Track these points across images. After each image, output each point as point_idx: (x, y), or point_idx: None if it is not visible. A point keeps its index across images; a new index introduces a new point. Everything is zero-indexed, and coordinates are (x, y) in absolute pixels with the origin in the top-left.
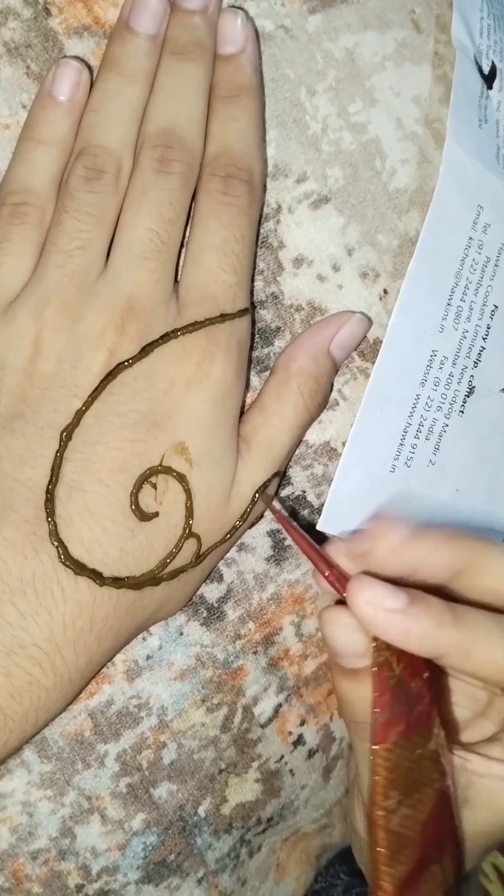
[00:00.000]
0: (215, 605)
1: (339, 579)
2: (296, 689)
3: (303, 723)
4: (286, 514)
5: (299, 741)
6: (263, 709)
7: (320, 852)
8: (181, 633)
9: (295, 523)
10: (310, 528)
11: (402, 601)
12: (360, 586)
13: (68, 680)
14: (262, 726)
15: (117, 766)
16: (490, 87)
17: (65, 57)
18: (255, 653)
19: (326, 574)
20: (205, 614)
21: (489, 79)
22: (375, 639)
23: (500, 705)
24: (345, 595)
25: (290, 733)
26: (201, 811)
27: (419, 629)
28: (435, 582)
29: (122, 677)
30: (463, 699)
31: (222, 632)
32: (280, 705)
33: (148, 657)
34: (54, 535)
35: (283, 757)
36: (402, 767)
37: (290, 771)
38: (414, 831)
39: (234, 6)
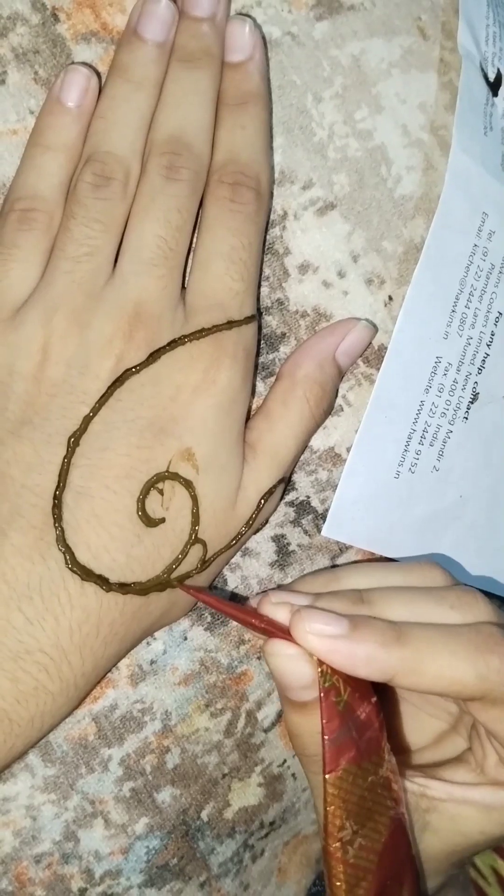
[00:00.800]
0: None
1: (271, 624)
2: None
3: None
4: (208, 592)
5: None
6: (267, 713)
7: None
8: (185, 638)
9: (213, 596)
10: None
11: (343, 627)
12: (301, 617)
13: (74, 685)
14: (266, 731)
15: (121, 770)
16: (496, 94)
17: (73, 63)
18: (259, 657)
19: (255, 622)
20: (209, 619)
21: (495, 86)
22: (321, 663)
23: (468, 721)
24: (278, 636)
25: None
26: (204, 815)
27: (364, 652)
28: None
29: (126, 682)
30: (437, 713)
31: (226, 637)
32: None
33: (152, 662)
34: (61, 540)
35: (285, 761)
36: (355, 796)
37: (293, 775)
38: (371, 862)
39: (241, 13)
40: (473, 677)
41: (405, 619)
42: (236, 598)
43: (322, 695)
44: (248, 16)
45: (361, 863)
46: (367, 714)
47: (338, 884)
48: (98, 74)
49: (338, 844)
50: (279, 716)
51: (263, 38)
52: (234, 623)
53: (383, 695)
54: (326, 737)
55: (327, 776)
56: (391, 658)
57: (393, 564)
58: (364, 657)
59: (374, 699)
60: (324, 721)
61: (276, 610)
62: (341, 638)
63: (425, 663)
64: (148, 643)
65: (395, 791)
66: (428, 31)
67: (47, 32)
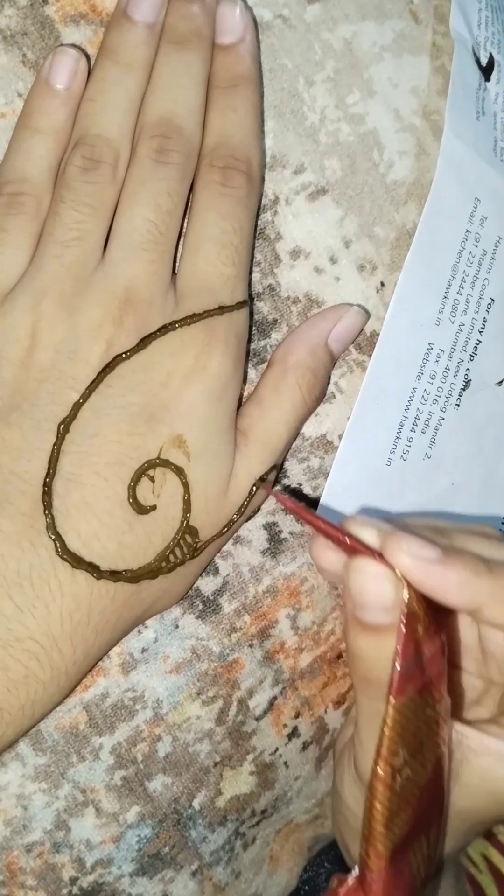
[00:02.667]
0: (211, 597)
1: (357, 542)
2: (291, 681)
3: (297, 715)
4: (291, 498)
5: (294, 734)
6: (259, 701)
7: (312, 843)
8: (177, 626)
9: (302, 504)
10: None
11: (437, 553)
12: (398, 538)
13: (65, 673)
14: (257, 719)
15: (112, 758)
16: (488, 79)
17: (62, 45)
18: (250, 646)
19: (342, 537)
20: (200, 607)
21: (487, 71)
22: (410, 588)
23: (496, 692)
24: (364, 554)
25: (285, 726)
26: (196, 804)
27: (458, 578)
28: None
29: (117, 670)
30: (481, 672)
31: (218, 625)
32: (275, 698)
33: (143, 650)
34: (51, 528)
35: (277, 749)
36: (412, 725)
37: (285, 763)
38: (413, 795)
39: None
40: None
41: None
42: (228, 586)
43: (404, 618)
44: None
45: (405, 793)
46: (435, 650)
47: (380, 808)
48: (87, 57)
49: (389, 769)
50: (271, 703)
51: (254, 20)
52: (226, 611)
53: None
54: (399, 661)
55: (393, 700)
56: (483, 587)
57: (457, 519)
58: (457, 583)
59: (443, 636)
60: (400, 646)
61: (363, 531)
62: (436, 562)
63: None
64: (139, 631)
65: (444, 731)
66: (420, 15)
67: (35, 14)
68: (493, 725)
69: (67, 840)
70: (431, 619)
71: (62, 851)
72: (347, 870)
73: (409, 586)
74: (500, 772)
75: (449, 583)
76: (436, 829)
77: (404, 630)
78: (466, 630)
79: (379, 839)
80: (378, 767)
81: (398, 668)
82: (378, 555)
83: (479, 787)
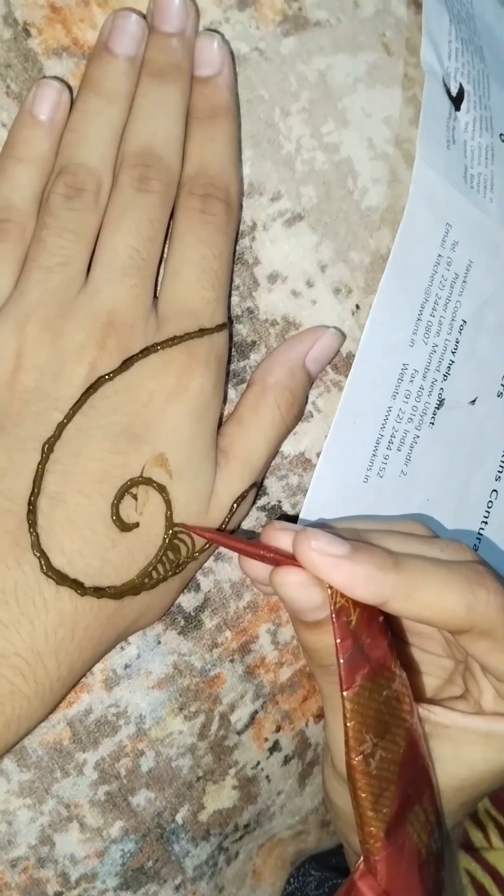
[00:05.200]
0: (192, 613)
1: (277, 553)
2: (272, 695)
3: (278, 729)
4: (213, 530)
5: (275, 747)
6: (240, 716)
7: (295, 858)
8: (159, 642)
9: (219, 533)
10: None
11: (345, 548)
12: (306, 536)
13: (49, 689)
14: (239, 733)
15: (96, 774)
16: (458, 108)
17: (45, 77)
18: (231, 661)
19: (263, 553)
20: (182, 623)
21: (457, 100)
22: (330, 586)
23: (462, 669)
24: (285, 563)
25: (266, 739)
26: (179, 818)
27: (363, 573)
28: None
29: (100, 686)
30: (431, 668)
31: (199, 640)
32: (256, 712)
33: (126, 666)
34: (36, 545)
35: (259, 763)
36: (372, 710)
37: (267, 777)
38: (392, 773)
39: (210, 29)
40: (463, 608)
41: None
42: (210, 602)
43: (334, 616)
44: (217, 31)
45: (383, 773)
46: (376, 632)
47: (363, 795)
48: (70, 88)
49: (360, 758)
50: (252, 718)
51: (231, 53)
52: (208, 626)
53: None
54: (341, 656)
55: (345, 693)
56: (387, 581)
57: (380, 519)
58: (363, 578)
59: (381, 618)
60: (337, 640)
61: (281, 536)
62: (343, 558)
63: (418, 590)
64: (122, 648)
65: (407, 703)
66: (392, 47)
67: (19, 47)
68: (461, 701)
69: (52, 855)
70: (364, 605)
71: (47, 866)
72: (337, 875)
73: (330, 586)
74: (470, 738)
75: (355, 577)
76: (428, 794)
77: (337, 626)
78: None
79: (370, 823)
80: (350, 758)
81: (341, 663)
82: (294, 559)
83: (455, 759)
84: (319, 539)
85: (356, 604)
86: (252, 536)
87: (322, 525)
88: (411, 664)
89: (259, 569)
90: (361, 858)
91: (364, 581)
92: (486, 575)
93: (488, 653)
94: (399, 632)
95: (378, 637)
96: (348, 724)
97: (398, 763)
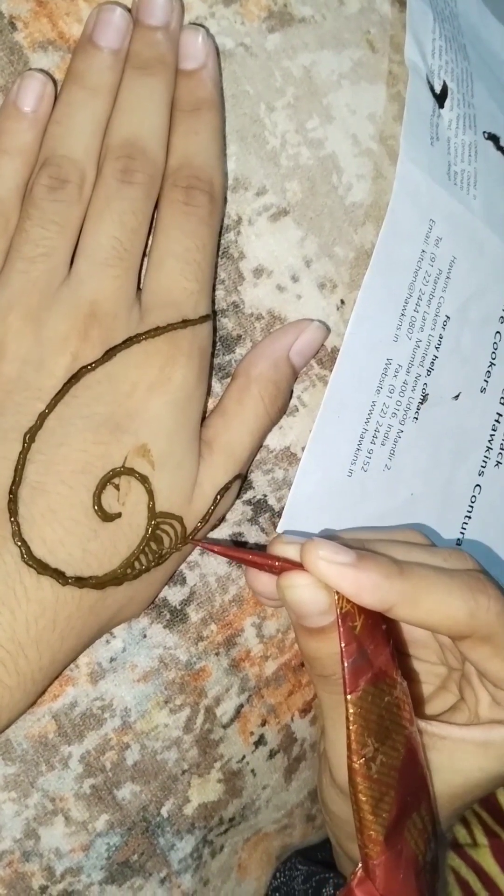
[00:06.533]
0: (178, 607)
1: (285, 563)
2: (257, 689)
3: (264, 723)
4: (218, 543)
5: (260, 741)
6: (225, 709)
7: (281, 852)
8: (144, 636)
9: (223, 545)
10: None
11: (351, 556)
12: (314, 545)
13: (31, 679)
14: (224, 727)
15: (81, 767)
16: (442, 105)
17: (30, 70)
18: (217, 654)
19: (270, 563)
20: (168, 616)
21: (441, 98)
22: (337, 592)
23: (456, 676)
24: (291, 569)
25: (252, 733)
26: (164, 812)
27: (369, 580)
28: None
29: (85, 679)
30: (425, 676)
31: (185, 634)
32: (242, 706)
33: (111, 659)
34: (17, 535)
35: (244, 757)
36: (374, 714)
37: (252, 771)
38: (392, 778)
39: (195, 23)
40: (465, 614)
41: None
42: (195, 596)
43: (339, 620)
44: (202, 26)
45: (384, 778)
46: (379, 639)
47: (363, 798)
48: (54, 81)
49: (362, 761)
50: (237, 711)
51: (216, 47)
52: (193, 620)
53: (392, 626)
54: (346, 660)
55: (349, 696)
56: (393, 588)
57: (381, 530)
58: (369, 585)
59: (384, 626)
60: (342, 645)
61: (288, 548)
62: (349, 566)
63: (422, 597)
64: (107, 641)
65: (407, 711)
66: (377, 45)
67: (4, 40)
68: (455, 713)
69: (37, 849)
70: (369, 611)
71: (32, 860)
72: (323, 870)
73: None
74: (465, 748)
75: (362, 584)
76: (425, 804)
77: (343, 630)
78: None
79: (370, 827)
80: (353, 762)
81: (346, 666)
82: (302, 568)
83: (450, 769)
84: (326, 548)
85: (361, 610)
86: (261, 549)
87: (329, 535)
88: (410, 675)
89: (266, 583)
90: (359, 865)
91: (370, 588)
92: (486, 583)
93: (488, 659)
94: (398, 643)
95: (381, 644)
96: (351, 728)
97: (398, 769)
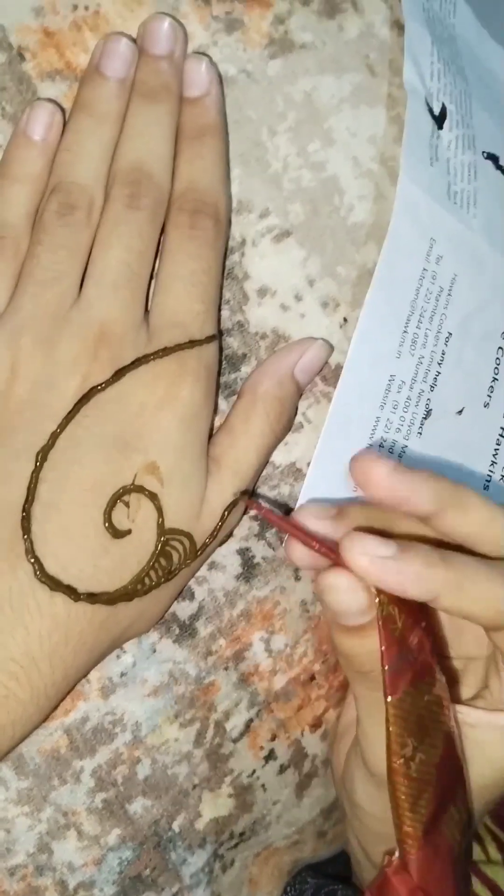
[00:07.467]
0: (187, 622)
1: (326, 547)
2: (266, 704)
3: (274, 738)
4: (267, 506)
5: (271, 756)
6: (235, 724)
7: (292, 867)
8: (154, 651)
9: (276, 511)
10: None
11: (392, 548)
12: (353, 540)
13: (44, 694)
14: (234, 741)
15: (93, 781)
16: (441, 127)
17: (39, 99)
18: (226, 668)
19: (316, 547)
20: (177, 631)
21: (440, 119)
22: (379, 592)
23: (475, 670)
24: (333, 560)
25: (262, 748)
26: (176, 826)
27: (412, 571)
28: (418, 515)
29: (97, 694)
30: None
31: (194, 648)
32: (251, 720)
33: (122, 674)
34: (30, 552)
35: (254, 771)
36: (413, 714)
37: (262, 786)
38: (430, 775)
39: (198, 52)
40: None
41: None
42: (204, 611)
43: (380, 624)
44: (205, 54)
45: (423, 776)
46: (420, 638)
47: (402, 797)
48: (62, 110)
49: (401, 761)
50: (247, 726)
51: (219, 74)
52: (202, 635)
53: (430, 621)
54: (386, 664)
55: (389, 699)
56: (437, 578)
57: None
58: (413, 576)
59: (423, 624)
60: (383, 648)
61: (314, 522)
62: (391, 559)
63: (466, 586)
64: (118, 656)
65: (446, 707)
66: (376, 69)
67: (14, 71)
68: (479, 700)
69: (50, 863)
70: (409, 611)
71: (45, 874)
72: (334, 882)
73: (379, 591)
74: (494, 738)
75: (405, 576)
76: (461, 796)
77: (383, 633)
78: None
79: (409, 823)
80: (392, 762)
81: (386, 669)
82: (339, 558)
83: (480, 758)
84: (368, 541)
85: (402, 610)
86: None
87: (354, 500)
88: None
89: (303, 554)
90: (396, 854)
91: (414, 579)
92: None
93: None
94: (436, 639)
95: (421, 643)
96: (391, 729)
97: (436, 766)
